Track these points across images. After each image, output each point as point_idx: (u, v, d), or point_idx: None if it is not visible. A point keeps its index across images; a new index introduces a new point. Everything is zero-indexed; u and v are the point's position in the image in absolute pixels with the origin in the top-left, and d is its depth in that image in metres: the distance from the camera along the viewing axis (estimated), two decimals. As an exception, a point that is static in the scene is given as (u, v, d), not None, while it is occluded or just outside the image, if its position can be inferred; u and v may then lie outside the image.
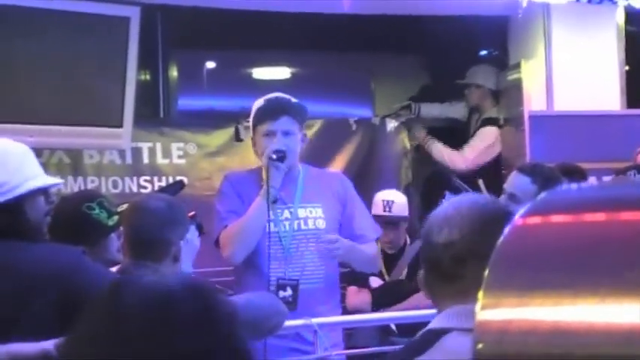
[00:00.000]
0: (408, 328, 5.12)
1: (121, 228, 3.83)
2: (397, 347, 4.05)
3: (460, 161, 6.67)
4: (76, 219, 3.65)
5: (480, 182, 6.56)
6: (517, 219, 0.95)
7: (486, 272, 0.90)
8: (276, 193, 4.02)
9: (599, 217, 0.90)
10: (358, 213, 4.23)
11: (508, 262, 0.92)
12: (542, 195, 0.98)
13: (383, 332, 5.33)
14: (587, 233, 0.89)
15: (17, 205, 2.94)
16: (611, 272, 0.84)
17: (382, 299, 5.52)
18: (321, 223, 4.11)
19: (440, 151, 6.75)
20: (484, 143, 6.66)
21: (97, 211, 3.70)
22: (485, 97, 6.81)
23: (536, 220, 0.94)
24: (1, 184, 2.90)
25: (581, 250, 0.88)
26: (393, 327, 5.27)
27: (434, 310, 2.25)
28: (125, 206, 3.95)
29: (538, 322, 0.84)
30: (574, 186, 1.00)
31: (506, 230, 0.94)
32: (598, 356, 0.80)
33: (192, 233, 3.46)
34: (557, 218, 0.93)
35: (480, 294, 0.90)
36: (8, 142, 3.06)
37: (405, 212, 5.64)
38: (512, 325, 0.87)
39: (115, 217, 3.75)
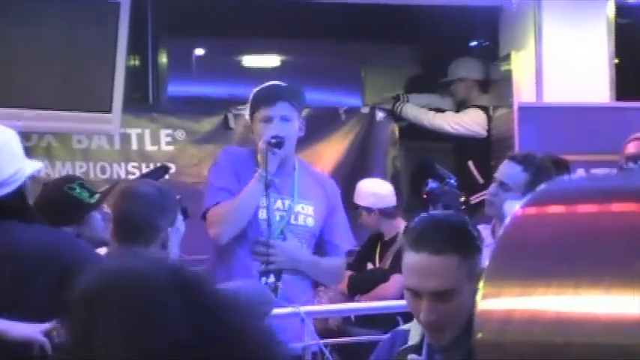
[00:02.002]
0: (365, 319, 5.18)
1: (106, 208, 3.91)
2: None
3: (440, 120, 6.66)
4: (58, 199, 3.75)
5: (470, 164, 6.57)
6: (518, 209, 0.95)
7: (487, 262, 0.90)
8: (271, 179, 4.02)
9: (600, 207, 0.90)
10: (340, 222, 4.24)
11: (509, 252, 0.92)
12: (543, 186, 0.99)
13: (343, 322, 5.36)
14: (588, 224, 0.89)
15: (21, 189, 3.00)
16: (612, 262, 0.84)
17: (357, 286, 5.57)
18: (311, 222, 4.12)
19: (417, 112, 6.74)
20: (468, 117, 6.67)
21: (78, 190, 3.79)
22: (471, 89, 6.80)
23: (536, 210, 0.94)
24: (15, 170, 2.95)
25: (581, 241, 0.88)
26: (352, 317, 5.32)
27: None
28: (106, 188, 4.02)
29: (539, 311, 0.84)
30: (574, 177, 1.00)
31: (508, 221, 0.94)
32: (600, 346, 0.80)
33: (178, 218, 3.47)
34: (557, 209, 0.93)
35: (481, 284, 0.90)
36: (3, 128, 3.08)
37: (363, 201, 5.66)
38: (513, 314, 0.87)
39: (97, 196, 3.83)
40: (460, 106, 6.88)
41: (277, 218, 4.06)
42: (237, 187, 4.05)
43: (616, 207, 0.88)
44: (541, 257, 0.87)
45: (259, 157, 4.03)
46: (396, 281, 5.35)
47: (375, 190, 5.72)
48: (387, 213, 5.65)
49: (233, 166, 4.11)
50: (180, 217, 3.44)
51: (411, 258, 2.43)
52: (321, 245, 4.18)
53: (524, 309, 0.84)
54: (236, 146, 4.50)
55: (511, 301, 0.86)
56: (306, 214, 4.12)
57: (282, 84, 4.21)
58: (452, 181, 4.44)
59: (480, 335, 0.88)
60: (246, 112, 4.22)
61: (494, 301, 0.87)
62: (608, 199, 0.89)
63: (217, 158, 4.21)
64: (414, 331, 2.53)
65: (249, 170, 4.08)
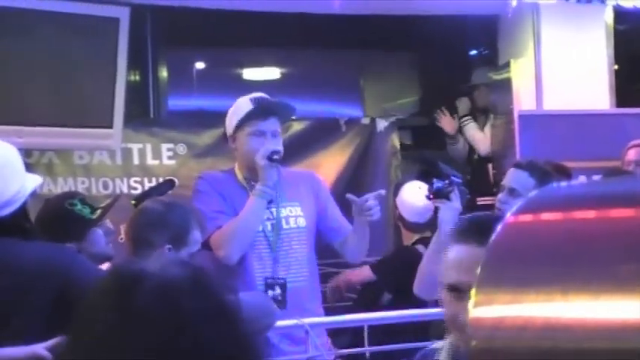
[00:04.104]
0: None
1: (108, 223, 3.93)
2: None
3: (483, 147, 6.68)
4: (60, 215, 3.75)
5: (489, 167, 6.60)
6: (509, 216, 0.95)
7: (479, 270, 0.91)
8: (273, 193, 4.04)
9: (591, 214, 0.90)
10: (331, 206, 4.26)
11: (500, 259, 0.92)
12: (534, 192, 0.99)
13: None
14: (579, 230, 0.90)
15: (24, 206, 3.00)
16: (604, 269, 0.84)
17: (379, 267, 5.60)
18: (302, 222, 4.14)
19: (476, 135, 6.74)
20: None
21: (79, 206, 3.79)
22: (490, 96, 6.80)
23: (528, 217, 0.95)
24: (19, 189, 2.95)
25: (573, 247, 0.88)
26: None
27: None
28: (107, 203, 4.04)
29: (531, 318, 0.85)
30: (566, 183, 1.00)
31: (499, 228, 0.94)
32: (591, 352, 0.80)
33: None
34: (549, 215, 0.93)
35: (473, 291, 0.91)
36: (1, 143, 3.08)
37: (398, 197, 5.65)
38: (505, 322, 0.87)
39: (98, 211, 3.84)
40: (478, 113, 6.85)
41: (269, 228, 4.08)
42: (227, 207, 4.06)
43: (606, 213, 0.88)
44: (532, 264, 0.88)
45: (259, 171, 4.03)
46: (363, 269, 5.37)
47: (405, 196, 5.61)
48: (404, 223, 5.57)
49: (216, 189, 4.11)
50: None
51: (455, 251, 2.28)
52: (322, 235, 4.21)
53: (514, 315, 0.85)
54: (209, 171, 4.53)
55: (502, 308, 0.86)
56: (295, 215, 4.13)
57: (272, 98, 4.23)
58: (456, 178, 4.43)
59: (473, 343, 0.88)
60: (231, 120, 4.19)
61: (486, 309, 0.88)
62: (598, 205, 0.89)
63: (197, 186, 4.18)
64: (444, 352, 2.40)
65: (232, 190, 4.09)
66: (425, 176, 5.75)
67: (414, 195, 5.57)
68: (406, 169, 6.92)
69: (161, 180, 6.10)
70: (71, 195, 4.05)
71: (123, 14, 5.65)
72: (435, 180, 4.26)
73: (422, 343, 4.31)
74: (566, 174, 4.95)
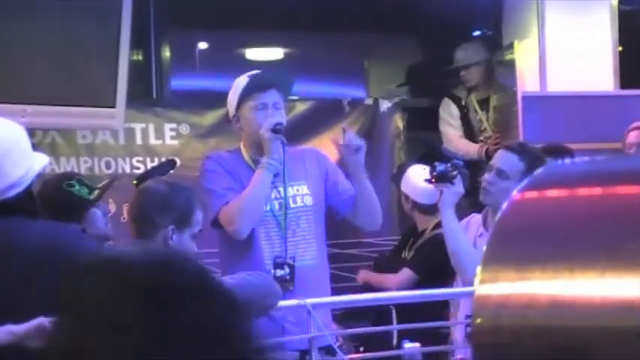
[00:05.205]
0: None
1: (111, 204, 3.92)
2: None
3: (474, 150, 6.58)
4: (58, 197, 3.75)
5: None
6: (515, 194, 0.95)
7: (485, 247, 0.90)
8: (278, 166, 4.04)
9: (596, 191, 0.90)
10: (341, 179, 4.26)
11: (506, 236, 0.92)
12: (540, 170, 0.99)
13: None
14: (584, 207, 0.89)
15: (30, 187, 3.00)
16: (608, 246, 0.84)
17: (378, 266, 5.59)
18: (309, 200, 4.14)
19: (450, 139, 6.63)
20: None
21: (77, 187, 3.78)
22: (484, 74, 6.72)
23: (533, 194, 0.94)
24: (27, 170, 2.94)
25: (578, 224, 0.88)
26: None
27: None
28: (104, 183, 4.04)
29: (536, 295, 0.84)
30: (569, 162, 1.00)
31: (505, 205, 0.94)
32: (595, 328, 0.80)
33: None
34: (554, 193, 0.93)
35: (479, 269, 0.90)
36: (9, 123, 3.07)
37: (403, 186, 5.63)
38: (509, 299, 0.87)
39: (96, 192, 3.84)
40: (472, 92, 6.78)
41: (277, 207, 4.08)
42: (236, 185, 4.06)
43: (611, 190, 0.88)
44: (537, 241, 0.87)
45: (264, 144, 4.03)
46: (404, 274, 5.33)
47: (415, 181, 5.58)
48: (419, 207, 5.54)
49: (224, 167, 4.12)
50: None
51: None
52: (335, 210, 4.21)
53: (520, 293, 0.84)
54: (216, 151, 4.54)
55: (507, 285, 0.86)
56: (302, 194, 4.13)
57: (272, 71, 4.24)
58: (459, 161, 4.42)
59: (478, 320, 0.88)
60: (232, 99, 4.19)
61: (491, 286, 0.87)
62: (603, 182, 0.89)
63: (205, 166, 4.20)
64: None
65: (239, 168, 4.10)
66: (427, 159, 5.74)
67: (422, 177, 5.56)
68: (409, 151, 6.90)
69: (164, 160, 6.11)
70: (69, 176, 4.04)
71: (126, -7, 5.63)
72: (437, 163, 4.24)
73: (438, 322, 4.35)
74: (568, 156, 4.94)
